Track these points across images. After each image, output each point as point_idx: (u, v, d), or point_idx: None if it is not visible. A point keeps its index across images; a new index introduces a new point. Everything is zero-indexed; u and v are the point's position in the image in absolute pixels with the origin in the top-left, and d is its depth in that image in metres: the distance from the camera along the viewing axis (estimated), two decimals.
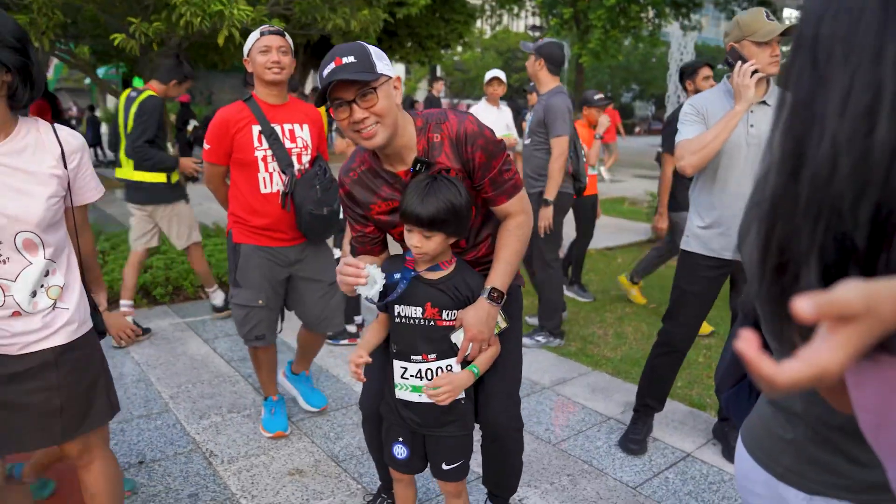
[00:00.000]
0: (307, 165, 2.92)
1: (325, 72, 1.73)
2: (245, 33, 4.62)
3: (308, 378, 3.47)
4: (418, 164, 1.87)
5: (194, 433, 3.16)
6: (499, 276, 1.97)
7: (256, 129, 2.84)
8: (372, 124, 1.75)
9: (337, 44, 6.26)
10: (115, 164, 4.65)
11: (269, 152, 2.85)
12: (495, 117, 5.79)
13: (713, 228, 2.85)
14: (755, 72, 2.59)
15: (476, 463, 2.81)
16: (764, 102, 2.73)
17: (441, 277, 1.96)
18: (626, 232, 8.27)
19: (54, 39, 4.63)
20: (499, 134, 5.13)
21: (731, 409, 1.50)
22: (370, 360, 1.93)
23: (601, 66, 20.34)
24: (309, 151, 2.95)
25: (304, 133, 2.95)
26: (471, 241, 2.06)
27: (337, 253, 4.16)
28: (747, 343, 0.57)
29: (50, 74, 13.17)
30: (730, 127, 2.62)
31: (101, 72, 11.94)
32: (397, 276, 1.94)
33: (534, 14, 22.65)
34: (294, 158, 2.90)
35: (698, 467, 2.92)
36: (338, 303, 3.18)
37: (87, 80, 18.42)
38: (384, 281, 1.86)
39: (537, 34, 22.96)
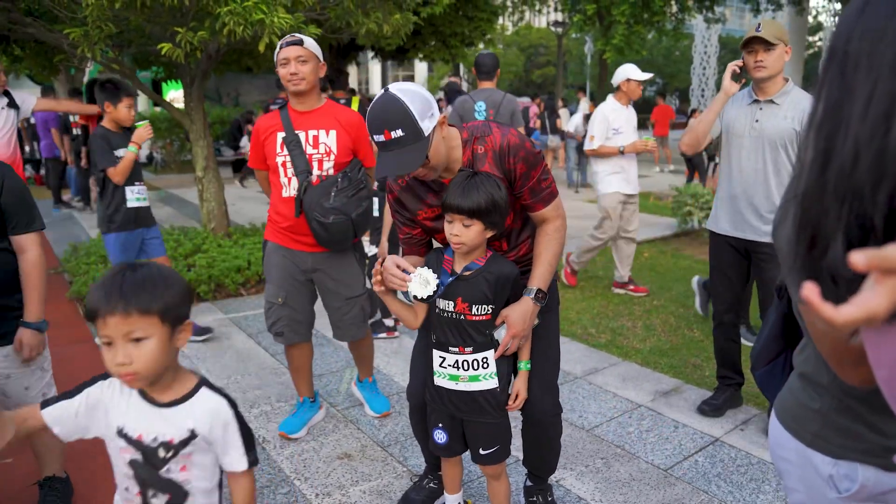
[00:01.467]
0: (329, 172, 2.94)
1: (377, 140, 1.86)
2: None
3: (372, 384, 3.53)
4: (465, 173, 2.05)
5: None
6: (541, 277, 2.14)
7: (281, 136, 2.95)
8: (425, 171, 1.97)
9: (362, 42, 6.31)
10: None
11: (289, 158, 2.93)
12: (626, 118, 5.37)
13: (720, 208, 3.33)
14: (739, 70, 3.21)
15: (515, 447, 2.97)
16: (772, 101, 3.11)
17: (473, 272, 2.09)
18: (652, 227, 8.34)
19: (104, 49, 4.85)
20: (630, 137, 5.31)
21: (764, 386, 1.62)
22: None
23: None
24: (332, 158, 2.94)
25: (328, 139, 2.95)
26: (512, 242, 2.22)
27: (373, 250, 4.33)
28: (810, 291, 0.72)
29: (85, 78, 13.54)
30: (711, 110, 3.27)
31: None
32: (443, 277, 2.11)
33: (556, 10, 22.65)
34: (315, 164, 2.93)
35: (727, 451, 3.05)
36: (354, 316, 3.18)
37: None
38: (436, 283, 2.00)
39: (559, 30, 22.95)
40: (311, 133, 2.95)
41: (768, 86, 3.09)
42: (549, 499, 2.55)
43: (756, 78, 3.07)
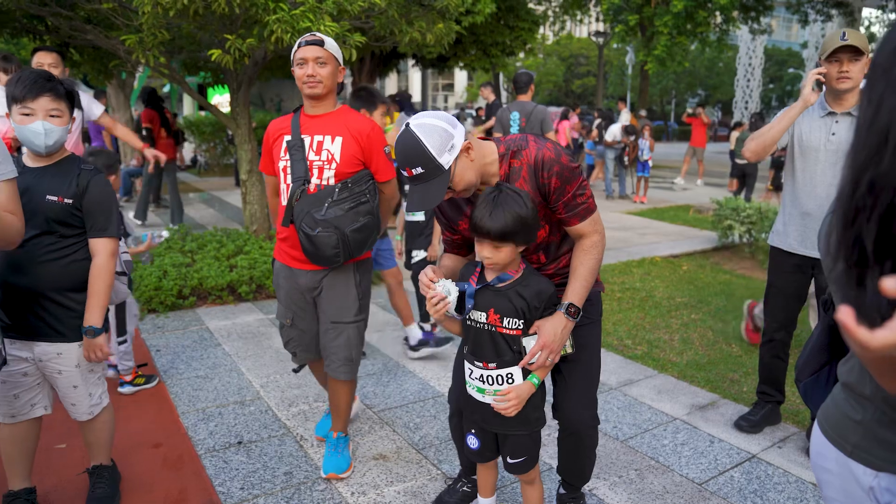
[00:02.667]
0: (329, 181, 2.66)
1: (405, 175, 1.95)
2: None
3: (339, 440, 2.98)
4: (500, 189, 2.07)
5: (285, 419, 3.44)
6: (575, 293, 2.11)
7: (286, 139, 2.73)
8: (457, 193, 2.03)
9: (403, 50, 6.42)
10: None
11: (289, 164, 2.70)
12: None
13: (789, 225, 3.22)
14: (823, 78, 2.99)
15: (549, 454, 2.99)
16: (849, 114, 3.02)
17: (507, 284, 2.10)
18: (691, 239, 8.27)
19: (156, 55, 5.03)
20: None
21: (809, 397, 1.62)
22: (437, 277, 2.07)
23: (666, 72, 20.11)
24: (333, 166, 2.65)
25: (333, 146, 2.66)
26: (551, 254, 2.23)
27: (419, 254, 4.37)
28: (846, 315, 0.75)
29: (135, 83, 13.96)
30: (785, 118, 3.07)
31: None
32: (466, 287, 2.11)
33: (598, 20, 22.58)
34: (315, 172, 2.66)
35: (763, 468, 3.02)
36: (338, 347, 2.84)
37: (166, 88, 19.36)
38: (457, 292, 2.04)
39: (601, 40, 22.87)
40: (317, 138, 2.69)
41: (848, 97, 2.99)
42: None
43: (839, 89, 2.97)
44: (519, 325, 2.08)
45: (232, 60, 4.85)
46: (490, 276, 2.11)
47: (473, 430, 2.29)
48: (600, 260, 2.18)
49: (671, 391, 3.85)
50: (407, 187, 4.23)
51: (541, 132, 6.00)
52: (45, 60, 4.16)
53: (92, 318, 2.37)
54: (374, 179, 2.76)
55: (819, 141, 3.07)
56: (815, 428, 1.36)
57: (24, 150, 2.30)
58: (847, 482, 1.26)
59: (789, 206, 3.24)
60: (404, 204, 4.40)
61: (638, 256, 7.33)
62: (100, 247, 2.40)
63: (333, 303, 2.81)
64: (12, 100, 2.20)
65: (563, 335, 2.09)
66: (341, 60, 2.75)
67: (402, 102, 9.11)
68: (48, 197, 2.29)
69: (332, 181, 2.66)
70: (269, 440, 3.22)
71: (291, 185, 2.68)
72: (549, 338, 2.06)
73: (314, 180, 2.67)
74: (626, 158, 11.96)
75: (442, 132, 1.91)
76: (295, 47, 2.67)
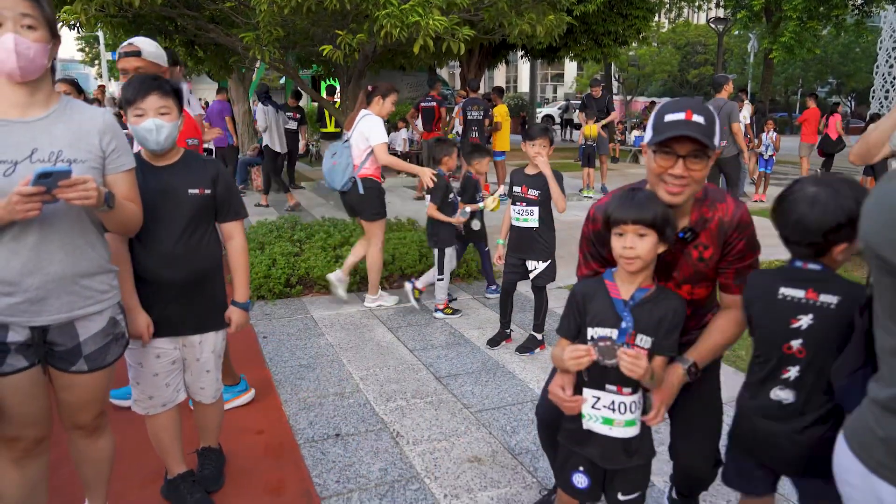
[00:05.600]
0: None
1: (671, 118, 1.82)
2: (437, 41, 4.90)
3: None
4: (689, 233, 1.97)
5: (382, 414, 3.47)
6: (702, 355, 2.01)
7: None
8: (684, 185, 1.85)
9: (512, 41, 6.41)
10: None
11: None
12: None
13: None
14: None
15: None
16: None
17: (642, 299, 1.92)
18: None
19: (272, 51, 5.21)
20: None
21: (843, 399, 1.61)
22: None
23: (793, 60, 18.75)
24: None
25: None
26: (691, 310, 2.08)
27: (538, 266, 4.23)
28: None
29: (254, 76, 14.66)
30: (892, 116, 2.65)
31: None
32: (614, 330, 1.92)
33: (718, 6, 21.43)
34: None
35: None
36: None
37: (282, 81, 20.19)
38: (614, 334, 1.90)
39: (720, 27, 21.71)
40: None
41: None
42: None
43: None
44: (650, 344, 1.90)
45: (342, 55, 4.94)
46: (625, 291, 1.93)
47: (582, 468, 2.07)
48: (737, 338, 2.07)
49: None
50: (502, 189, 4.11)
51: (728, 122, 7.76)
52: (59, 89, 4.05)
53: (241, 294, 2.61)
54: None
55: None
56: (840, 440, 1.35)
57: (142, 152, 2.40)
58: (869, 498, 1.26)
59: None
60: (510, 207, 4.28)
61: None
62: (237, 229, 2.61)
63: None
64: (126, 103, 2.30)
65: (677, 389, 1.98)
66: (163, 63, 3.10)
67: (261, 95, 9.14)
68: (190, 191, 2.41)
69: None
70: (366, 434, 3.25)
71: None
72: (667, 394, 1.94)
73: None
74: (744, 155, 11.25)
75: (718, 130, 1.91)
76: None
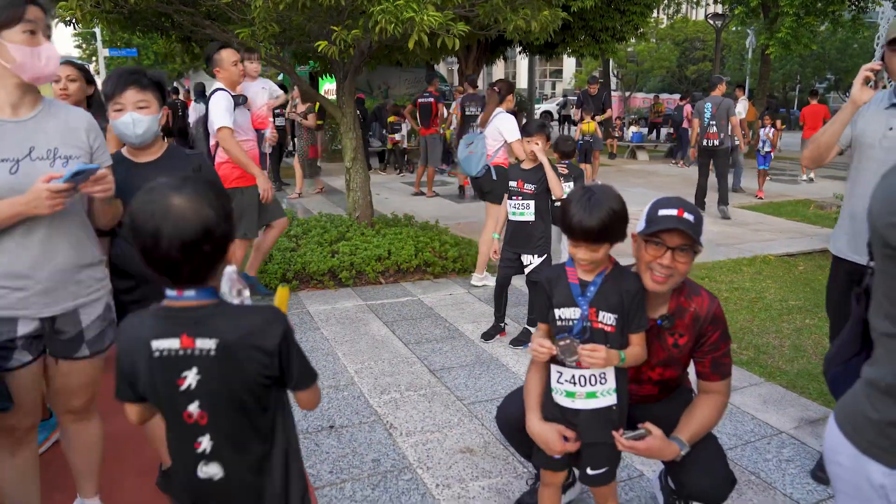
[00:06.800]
0: None
1: (664, 213, 1.97)
2: (432, 36, 4.93)
3: None
4: (666, 321, 2.11)
5: (376, 406, 3.51)
6: (690, 434, 2.12)
7: None
8: (669, 275, 2.00)
9: (510, 36, 6.50)
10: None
11: None
12: None
13: (840, 228, 2.90)
14: (874, 74, 2.67)
15: (640, 460, 2.87)
16: None
17: (602, 281, 2.04)
18: (810, 237, 7.71)
19: (268, 47, 5.23)
20: None
21: (835, 388, 1.65)
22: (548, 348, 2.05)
23: (790, 56, 18.72)
24: None
25: None
26: (662, 385, 2.28)
27: (534, 260, 4.28)
28: None
29: None
30: (836, 121, 2.74)
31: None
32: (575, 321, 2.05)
33: (715, 2, 21.43)
34: None
35: None
36: None
37: (280, 77, 20.19)
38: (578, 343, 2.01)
39: (718, 23, 21.72)
40: None
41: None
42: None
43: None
44: (612, 321, 2.02)
45: (338, 51, 4.96)
46: (585, 276, 2.06)
47: None
48: (719, 420, 2.20)
49: (778, 402, 3.61)
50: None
51: (726, 117, 8.84)
52: (63, 73, 3.62)
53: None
54: None
55: (875, 137, 2.65)
56: (831, 422, 1.38)
57: (125, 150, 2.42)
58: (858, 478, 1.29)
59: (843, 207, 2.92)
60: (506, 201, 4.32)
61: (749, 254, 6.92)
62: None
63: None
64: (106, 99, 2.34)
65: (665, 454, 2.10)
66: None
67: (197, 93, 9.04)
68: None
69: None
70: (360, 426, 3.29)
71: None
72: (654, 450, 2.07)
73: None
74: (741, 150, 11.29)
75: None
76: None
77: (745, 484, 2.82)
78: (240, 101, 4.75)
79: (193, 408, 1.44)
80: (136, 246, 1.38)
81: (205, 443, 1.46)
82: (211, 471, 1.48)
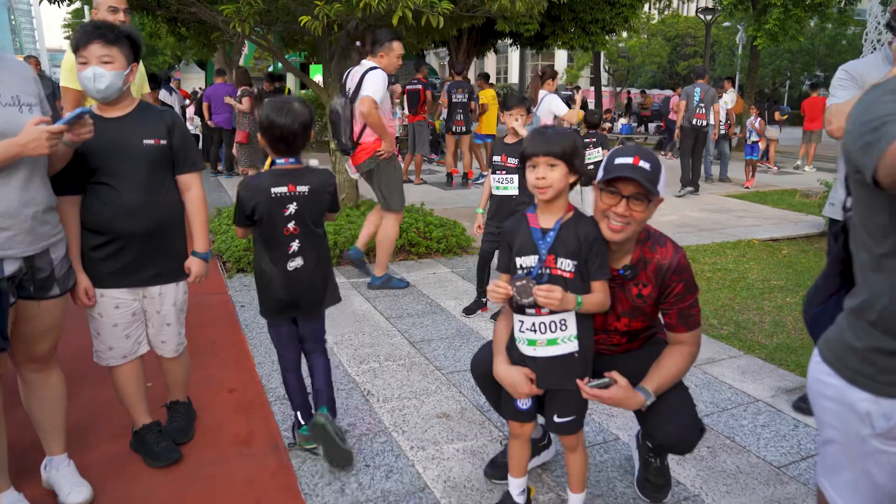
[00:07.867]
0: None
1: (620, 162, 1.96)
2: (416, 15, 4.92)
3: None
4: (628, 271, 2.10)
5: (354, 375, 3.50)
6: (656, 385, 2.12)
7: None
8: (625, 223, 1.99)
9: (500, 27, 6.66)
10: None
11: None
12: None
13: (836, 193, 2.92)
14: None
15: (616, 425, 2.89)
16: None
17: (560, 226, 2.04)
18: (794, 224, 7.76)
19: (253, 25, 5.20)
20: None
21: (815, 327, 1.66)
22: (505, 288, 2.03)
23: (779, 51, 18.84)
24: None
25: None
26: (630, 334, 2.28)
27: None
28: None
29: (241, 61, 14.58)
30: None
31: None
32: (534, 264, 2.04)
33: None
34: None
35: None
36: None
37: (270, 68, 20.09)
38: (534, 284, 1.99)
39: (708, 17, 21.78)
40: None
41: None
42: (665, 463, 2.47)
43: None
44: (571, 267, 2.02)
45: (321, 27, 4.95)
46: (545, 221, 2.07)
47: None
48: (687, 370, 2.20)
49: (756, 372, 3.63)
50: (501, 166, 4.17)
51: (711, 103, 9.69)
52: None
53: (200, 245, 2.63)
54: None
55: None
56: (815, 355, 1.39)
57: (95, 106, 2.41)
58: (843, 407, 1.30)
59: (839, 170, 2.97)
60: (489, 175, 4.30)
61: (733, 238, 6.95)
62: (194, 181, 2.60)
63: None
64: (73, 52, 2.32)
65: (629, 404, 2.09)
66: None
67: (161, 80, 9.15)
68: (145, 141, 2.41)
69: None
70: (337, 392, 3.27)
71: None
72: (618, 398, 2.06)
73: None
74: (731, 140, 11.41)
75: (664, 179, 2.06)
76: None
77: (721, 447, 2.84)
78: (391, 81, 4.99)
79: (291, 225, 2.49)
80: (269, 132, 2.42)
81: (294, 246, 2.52)
82: (296, 263, 2.55)
